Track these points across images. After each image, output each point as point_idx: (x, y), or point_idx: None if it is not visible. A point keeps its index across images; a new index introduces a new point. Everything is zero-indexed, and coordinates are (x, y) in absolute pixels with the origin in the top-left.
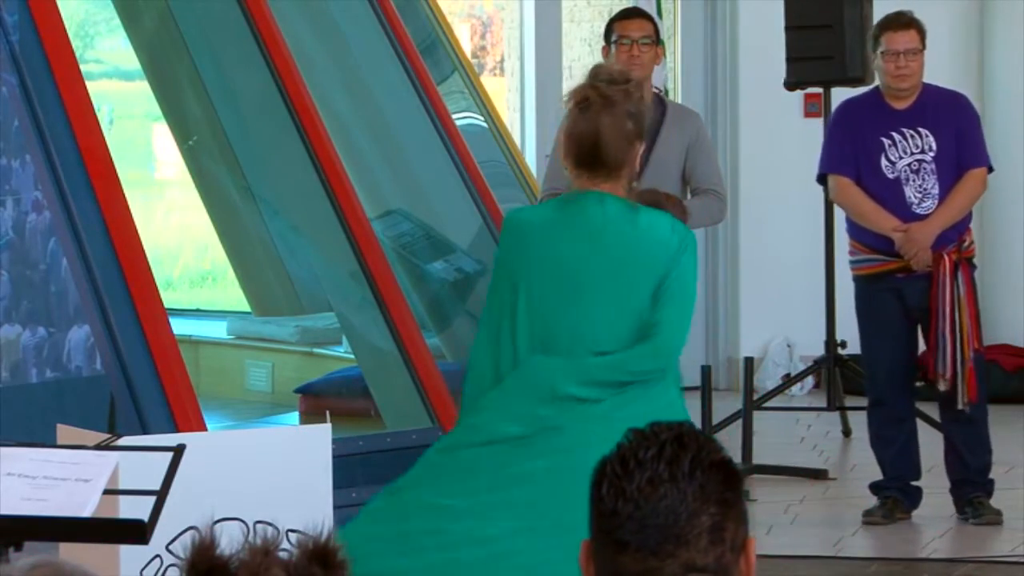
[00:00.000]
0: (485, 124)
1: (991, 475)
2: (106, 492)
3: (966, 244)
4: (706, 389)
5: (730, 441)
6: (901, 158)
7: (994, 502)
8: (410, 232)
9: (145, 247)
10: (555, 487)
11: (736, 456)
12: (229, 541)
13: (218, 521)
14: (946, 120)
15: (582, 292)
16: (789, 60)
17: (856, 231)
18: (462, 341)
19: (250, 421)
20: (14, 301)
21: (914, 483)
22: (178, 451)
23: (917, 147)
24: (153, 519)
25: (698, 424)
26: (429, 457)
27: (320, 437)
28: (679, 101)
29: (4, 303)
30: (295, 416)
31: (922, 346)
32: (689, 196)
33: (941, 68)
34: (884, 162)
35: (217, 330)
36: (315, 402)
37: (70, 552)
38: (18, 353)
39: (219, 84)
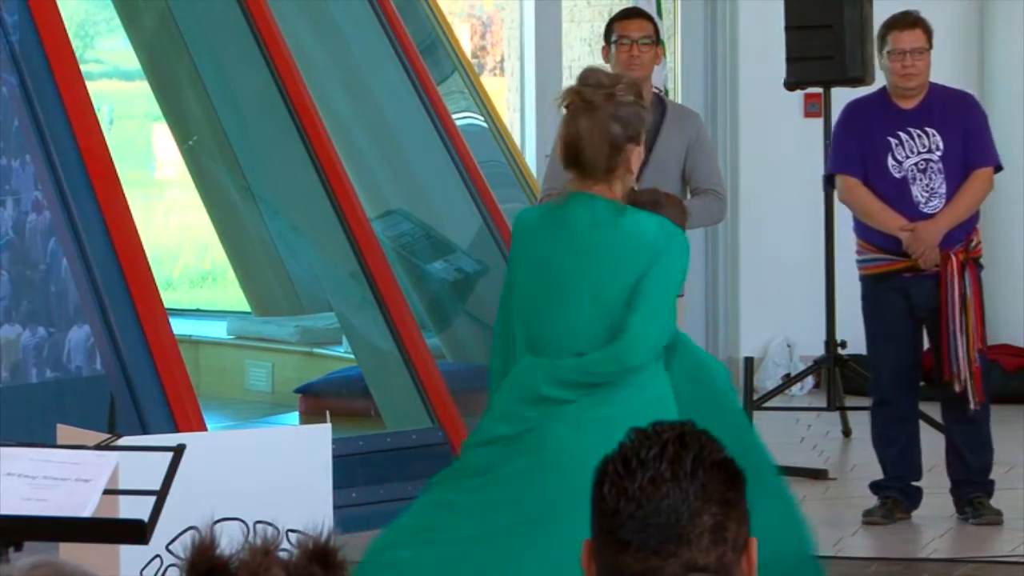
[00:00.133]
0: (485, 124)
1: (991, 475)
2: (106, 492)
3: (973, 244)
4: None
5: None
6: (908, 157)
7: (994, 502)
8: (410, 232)
9: (145, 247)
10: (529, 486)
11: None
12: (229, 541)
13: (218, 521)
14: (953, 119)
15: (563, 293)
16: (789, 60)
17: (863, 231)
18: (462, 341)
19: (250, 421)
20: (14, 301)
21: (914, 483)
22: (178, 451)
23: (924, 146)
24: (153, 519)
25: None
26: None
27: (320, 437)
28: (679, 101)
29: (4, 303)
30: (295, 416)
31: (925, 345)
32: (689, 196)
33: (941, 68)
34: (891, 161)
35: (217, 330)
36: (315, 402)
37: (70, 552)
38: (18, 353)
39: (219, 84)
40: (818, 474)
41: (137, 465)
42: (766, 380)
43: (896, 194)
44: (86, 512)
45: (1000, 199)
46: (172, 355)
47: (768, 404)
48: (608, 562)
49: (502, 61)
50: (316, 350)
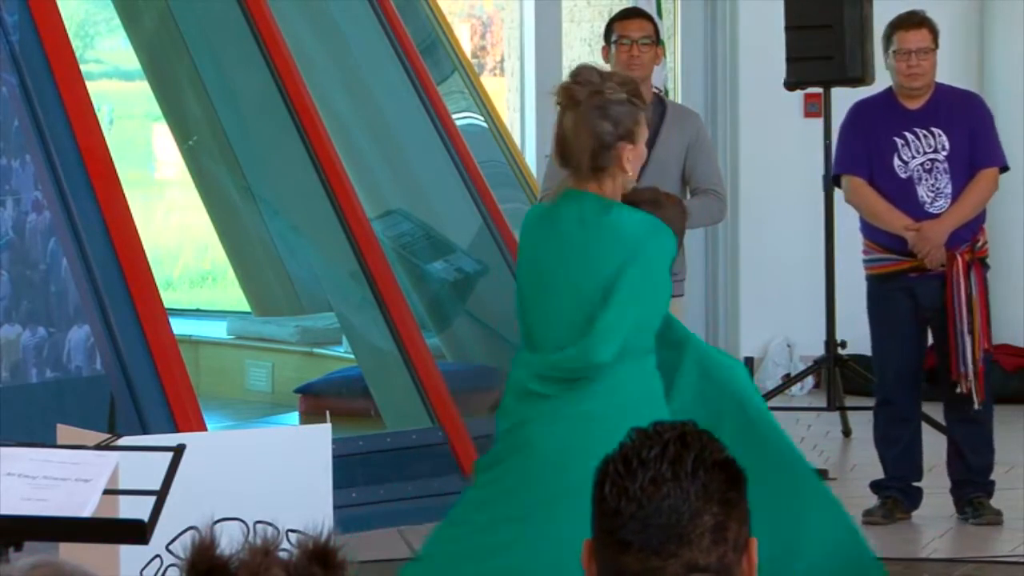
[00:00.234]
0: (485, 124)
1: (991, 476)
2: (106, 492)
3: (979, 244)
4: None
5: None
6: (914, 157)
7: (994, 502)
8: (410, 232)
9: (145, 247)
10: (514, 481)
11: None
12: (229, 541)
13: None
14: (959, 119)
15: (548, 289)
16: (789, 60)
17: (870, 231)
18: (462, 341)
19: (250, 421)
20: (14, 301)
21: (915, 484)
22: (178, 451)
23: (930, 146)
24: (153, 519)
25: None
26: None
27: (320, 437)
28: (679, 101)
29: (4, 303)
30: (295, 416)
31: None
32: (689, 196)
33: (941, 68)
34: (897, 161)
35: (217, 330)
36: (315, 402)
37: (70, 552)
38: (18, 353)
39: (219, 84)
40: (818, 474)
41: (137, 465)
42: (766, 380)
43: (901, 194)
44: (86, 512)
45: (1000, 199)
46: (172, 355)
47: (768, 404)
48: (609, 562)
49: (502, 61)
50: (316, 350)
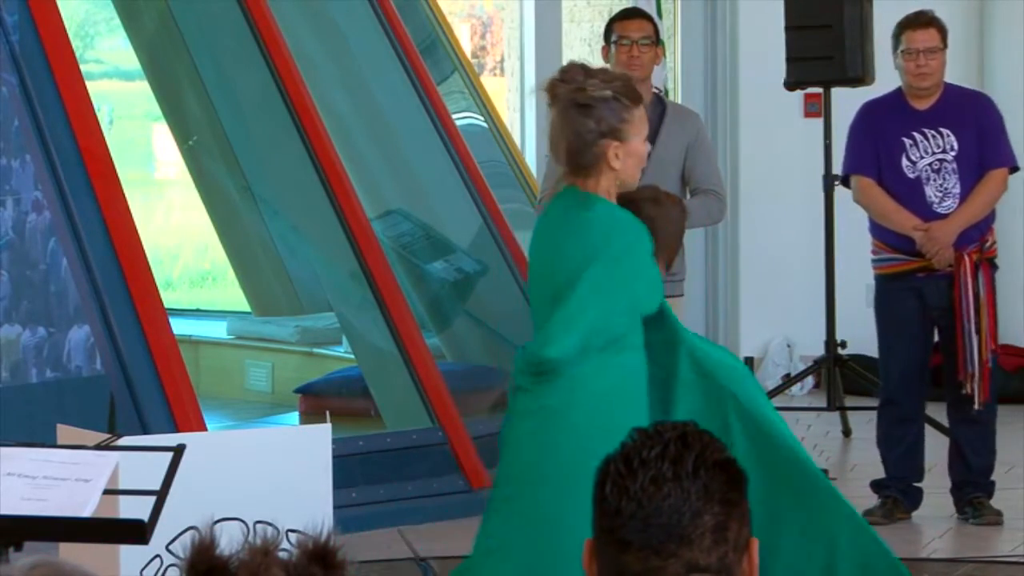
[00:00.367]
0: (485, 124)
1: (992, 476)
2: (106, 492)
3: (988, 244)
4: None
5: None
6: (922, 158)
7: (994, 502)
8: (410, 232)
9: (145, 247)
10: (497, 476)
11: None
12: (229, 541)
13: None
14: (968, 120)
15: (533, 285)
16: (789, 60)
17: (878, 231)
18: (462, 341)
19: (250, 421)
20: (14, 301)
21: (915, 484)
22: (178, 451)
23: (939, 147)
24: (153, 519)
25: None
26: None
27: (320, 437)
28: (679, 101)
29: (4, 303)
30: (295, 416)
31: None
32: (688, 196)
33: None
34: (905, 162)
35: (217, 330)
36: (315, 402)
37: (70, 552)
38: (18, 353)
39: (219, 84)
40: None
41: (137, 465)
42: (766, 380)
43: (910, 194)
44: (86, 512)
45: (1000, 199)
46: (172, 355)
47: None
48: (609, 562)
49: (502, 61)
50: (316, 350)
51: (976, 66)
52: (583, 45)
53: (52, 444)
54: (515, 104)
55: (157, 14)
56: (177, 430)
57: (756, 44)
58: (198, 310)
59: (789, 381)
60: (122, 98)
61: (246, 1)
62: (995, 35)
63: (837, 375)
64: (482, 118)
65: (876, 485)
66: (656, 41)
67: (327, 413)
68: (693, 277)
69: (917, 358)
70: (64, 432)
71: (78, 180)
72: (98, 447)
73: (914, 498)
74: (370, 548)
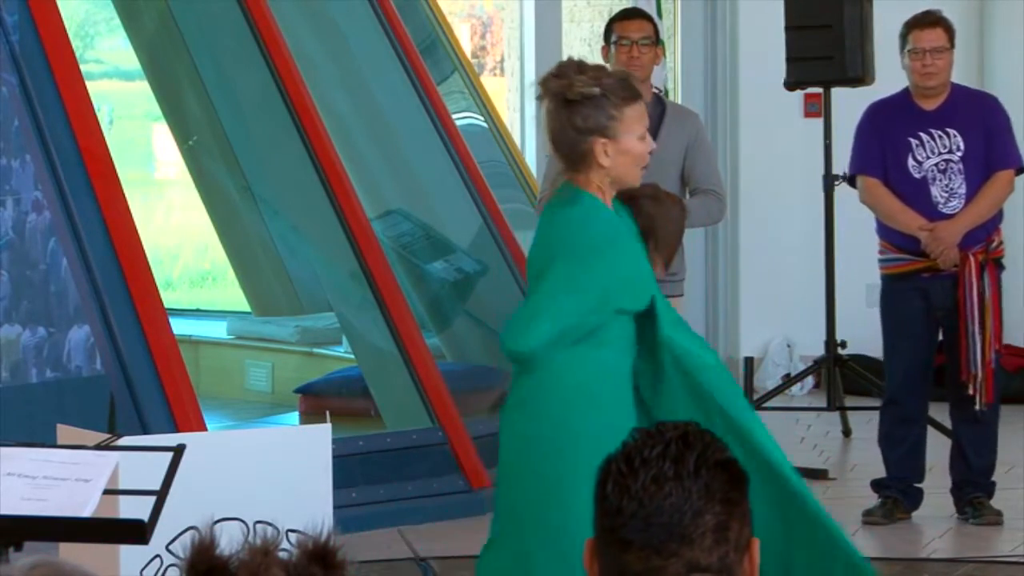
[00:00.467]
0: (485, 124)
1: (992, 477)
2: (106, 492)
3: (994, 244)
4: None
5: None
6: (928, 158)
7: (994, 502)
8: (410, 232)
9: (145, 247)
10: None
11: None
12: (229, 541)
13: (218, 521)
14: (975, 120)
15: (529, 280)
16: (789, 60)
17: (884, 231)
18: (462, 341)
19: (250, 421)
20: (14, 301)
21: (916, 484)
22: (178, 451)
23: (945, 147)
24: (153, 519)
25: None
26: None
27: (320, 437)
28: (679, 101)
29: (4, 303)
30: (295, 416)
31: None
32: (688, 196)
33: None
34: (911, 162)
35: (217, 330)
36: (315, 402)
37: (70, 552)
38: (18, 353)
39: (219, 84)
40: (818, 474)
41: (137, 465)
42: (766, 380)
43: (915, 194)
44: (86, 512)
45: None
46: (172, 355)
47: (768, 404)
48: (611, 561)
49: (502, 61)
50: (316, 350)
51: (976, 66)
52: (583, 45)
53: (52, 444)
54: (515, 104)
55: (157, 14)
56: (177, 430)
57: (756, 44)
58: (198, 310)
59: (789, 381)
60: (122, 98)
61: (246, 1)
62: (995, 35)
63: (837, 375)
64: (482, 118)
65: (876, 485)
66: (656, 41)
67: (327, 413)
68: (693, 277)
69: (921, 358)
70: (64, 432)
71: (78, 180)
72: (98, 447)
73: (914, 498)
74: (370, 548)
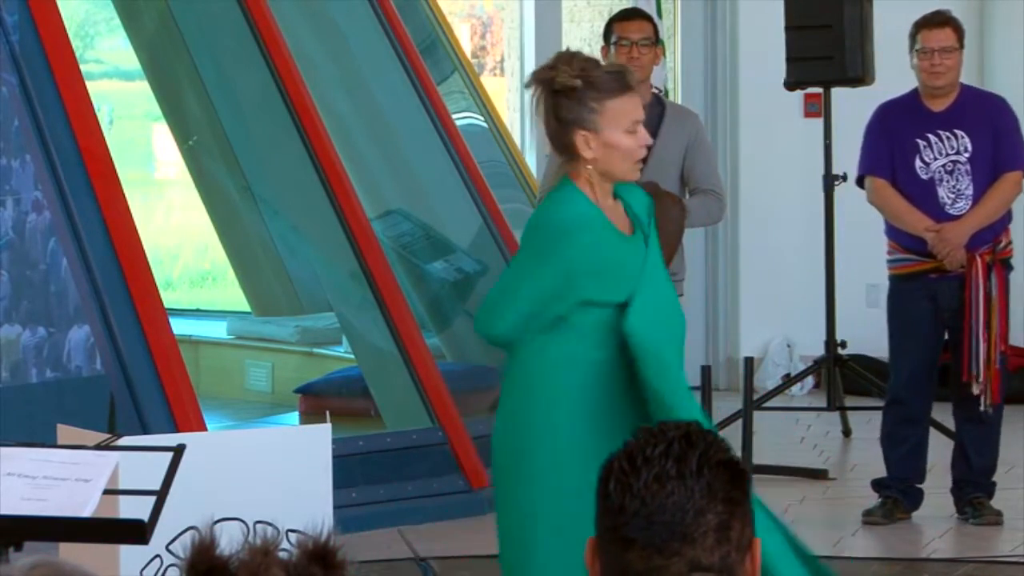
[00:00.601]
0: (485, 124)
1: (993, 478)
2: (106, 492)
3: (1002, 245)
4: (706, 389)
5: (730, 441)
6: (936, 159)
7: (994, 502)
8: (410, 232)
9: (145, 247)
10: None
11: None
12: (229, 541)
13: (218, 521)
14: (983, 121)
15: None
16: (789, 60)
17: (892, 231)
18: (462, 341)
19: (250, 421)
20: (14, 301)
21: (917, 485)
22: (178, 451)
23: (952, 148)
24: (153, 519)
25: None
26: None
27: (320, 437)
28: (679, 101)
29: (4, 303)
30: (295, 416)
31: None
32: (687, 196)
33: None
34: (919, 163)
35: (217, 330)
36: (315, 402)
37: (70, 552)
38: (18, 353)
39: (219, 84)
40: (818, 474)
41: (137, 465)
42: (766, 380)
43: (922, 195)
44: (86, 512)
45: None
46: (172, 355)
47: (768, 404)
48: (612, 560)
49: (502, 61)
50: (316, 350)
51: (976, 66)
52: (583, 45)
53: (52, 444)
54: (515, 104)
55: (157, 14)
56: (177, 430)
57: (756, 44)
58: (198, 310)
59: (789, 381)
60: (122, 98)
61: (246, 1)
62: (995, 35)
63: (837, 375)
64: (482, 118)
65: (877, 484)
66: (656, 41)
67: (327, 413)
68: (693, 277)
69: (927, 359)
70: (64, 432)
71: (78, 180)
72: (98, 447)
73: (914, 498)
74: (370, 548)
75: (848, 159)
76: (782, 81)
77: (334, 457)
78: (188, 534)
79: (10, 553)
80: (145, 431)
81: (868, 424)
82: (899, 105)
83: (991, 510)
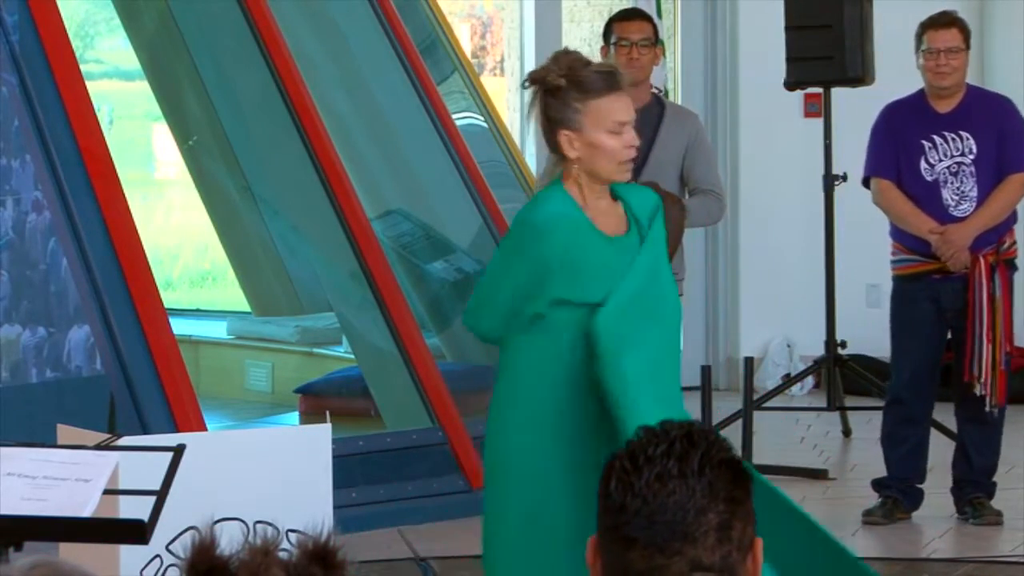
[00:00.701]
0: (485, 124)
1: (994, 478)
2: (106, 492)
3: (1006, 246)
4: (706, 389)
5: (730, 441)
6: (941, 161)
7: (994, 502)
8: (410, 232)
9: (145, 247)
10: None
11: None
12: (229, 541)
13: (218, 521)
14: (988, 123)
15: None
16: (789, 60)
17: (897, 232)
18: (462, 341)
19: (250, 421)
20: (14, 301)
21: (917, 485)
22: (178, 451)
23: (957, 150)
24: (153, 519)
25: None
26: None
27: (320, 437)
28: (679, 101)
29: (4, 303)
30: (295, 416)
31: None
32: (687, 196)
33: None
34: (923, 164)
35: (217, 330)
36: (315, 402)
37: (70, 552)
38: (18, 353)
39: (219, 84)
40: (818, 474)
41: (137, 465)
42: (766, 380)
43: (927, 197)
44: (86, 512)
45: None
46: (172, 355)
47: (768, 404)
48: (614, 559)
49: (502, 61)
50: (316, 350)
51: (976, 66)
52: (583, 45)
53: (52, 444)
54: (515, 104)
55: (157, 14)
56: (177, 430)
57: (756, 44)
58: (198, 310)
59: (789, 381)
60: (122, 98)
61: (246, 1)
62: (995, 35)
63: (837, 375)
64: (482, 118)
65: (877, 484)
66: (655, 42)
67: (327, 413)
68: (693, 277)
69: (929, 360)
70: (64, 432)
71: (78, 180)
72: (98, 447)
73: (914, 498)
74: (370, 548)
75: (848, 159)
76: (782, 81)
77: (334, 457)
78: (188, 534)
79: (10, 553)
80: (145, 431)
81: (868, 424)
82: (905, 106)
83: (991, 510)
